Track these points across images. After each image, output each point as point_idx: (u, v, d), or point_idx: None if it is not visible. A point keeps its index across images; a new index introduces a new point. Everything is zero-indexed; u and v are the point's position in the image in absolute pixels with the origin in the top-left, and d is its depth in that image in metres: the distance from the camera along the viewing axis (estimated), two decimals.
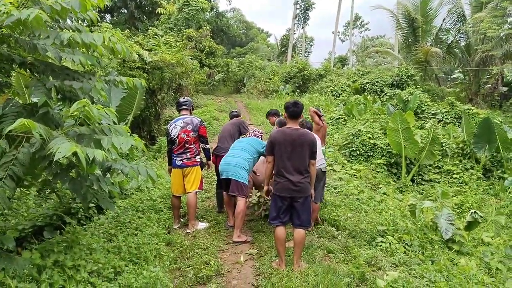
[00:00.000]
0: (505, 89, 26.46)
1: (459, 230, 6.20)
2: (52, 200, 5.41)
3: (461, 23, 24.67)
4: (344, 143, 11.53)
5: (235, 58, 34.55)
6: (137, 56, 11.03)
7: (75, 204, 5.14)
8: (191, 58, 17.12)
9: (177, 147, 5.44)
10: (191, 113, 5.81)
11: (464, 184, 10.79)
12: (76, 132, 3.45)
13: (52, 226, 4.53)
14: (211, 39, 27.00)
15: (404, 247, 5.36)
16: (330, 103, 19.52)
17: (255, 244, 4.97)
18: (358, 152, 11.14)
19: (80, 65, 4.05)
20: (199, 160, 5.56)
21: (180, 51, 14.00)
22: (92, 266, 3.59)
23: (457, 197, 9.59)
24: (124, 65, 10.64)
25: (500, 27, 22.48)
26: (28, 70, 3.79)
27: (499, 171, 11.07)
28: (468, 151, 11.76)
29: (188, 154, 5.44)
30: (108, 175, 3.80)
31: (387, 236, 5.50)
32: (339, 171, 9.32)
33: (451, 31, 25.77)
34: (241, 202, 5.15)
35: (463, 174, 11.17)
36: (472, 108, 16.75)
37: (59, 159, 2.75)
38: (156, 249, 4.47)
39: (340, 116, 15.35)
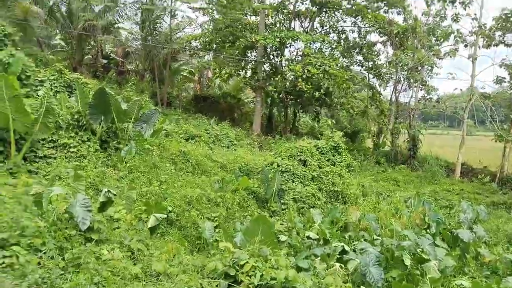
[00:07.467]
0: (105, 61, 27.95)
1: (95, 215, 5.55)
2: None
3: None
4: None
5: None
6: None
7: None
8: None
9: None
10: None
11: (82, 157, 10.22)
12: None
13: None
14: None
15: (37, 256, 4.12)
16: None
17: None
18: None
19: None
20: None
21: None
22: None
23: (77, 172, 8.89)
24: None
25: None
26: None
27: (114, 142, 11.25)
28: (84, 122, 11.24)
29: None
30: None
31: (10, 247, 4.03)
32: None
33: None
34: None
35: (81, 147, 10.56)
36: (81, 77, 16.35)
37: None
38: None
39: None
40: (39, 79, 14.89)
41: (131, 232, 6.07)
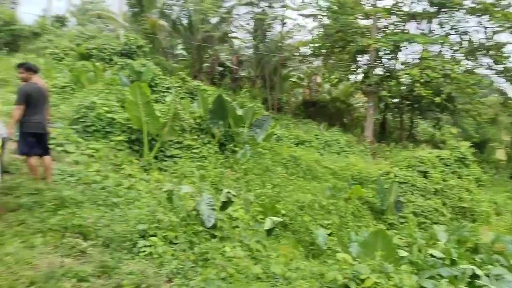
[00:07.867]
0: (221, 69, 29.66)
1: (218, 213, 5.82)
2: None
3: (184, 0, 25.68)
4: (76, 116, 9.51)
5: None
6: None
7: None
8: None
9: None
10: None
11: (204, 158, 10.89)
12: None
13: None
14: None
15: (172, 248, 4.43)
16: (52, 68, 16.25)
17: None
18: (94, 128, 9.41)
19: None
20: None
21: None
22: None
23: (201, 172, 9.50)
24: None
25: (217, 10, 24.77)
26: None
27: (231, 145, 11.81)
28: (205, 126, 12.01)
29: None
30: None
31: (150, 238, 4.41)
32: (73, 153, 7.45)
33: (174, 7, 26.51)
34: None
35: (202, 148, 11.28)
36: (201, 84, 17.56)
37: None
38: None
39: (67, 84, 12.84)
40: (166, 86, 16.40)
41: (249, 232, 6.22)
